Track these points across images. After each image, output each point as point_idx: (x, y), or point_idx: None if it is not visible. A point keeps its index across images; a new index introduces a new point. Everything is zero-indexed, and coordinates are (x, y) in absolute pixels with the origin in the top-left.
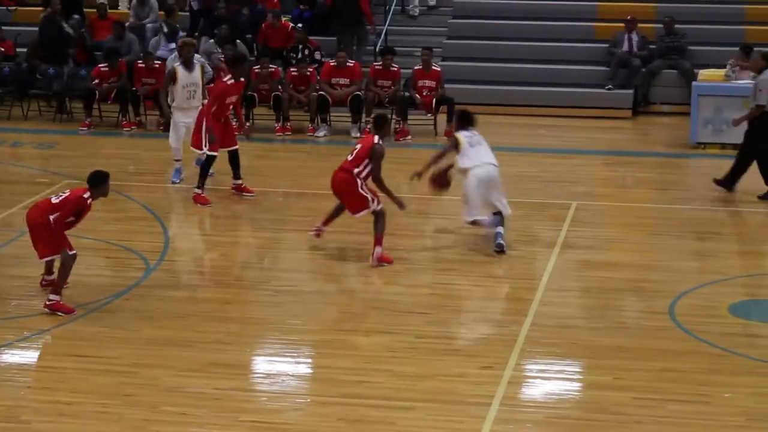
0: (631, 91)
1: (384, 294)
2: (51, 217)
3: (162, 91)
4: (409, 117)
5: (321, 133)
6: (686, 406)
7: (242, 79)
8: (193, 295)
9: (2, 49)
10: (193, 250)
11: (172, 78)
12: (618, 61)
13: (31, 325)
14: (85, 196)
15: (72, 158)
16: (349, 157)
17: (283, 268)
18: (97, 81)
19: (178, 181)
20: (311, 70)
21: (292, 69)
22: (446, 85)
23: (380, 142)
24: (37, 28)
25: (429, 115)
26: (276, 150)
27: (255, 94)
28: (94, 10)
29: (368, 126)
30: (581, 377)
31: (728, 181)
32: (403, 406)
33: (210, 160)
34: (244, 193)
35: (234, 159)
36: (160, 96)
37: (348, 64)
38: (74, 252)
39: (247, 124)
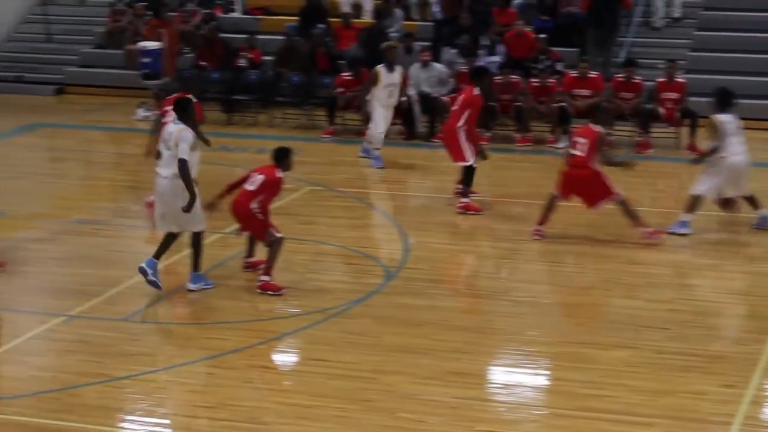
0: None
1: (624, 308)
2: (253, 204)
3: (364, 92)
4: (652, 130)
5: (561, 145)
6: None
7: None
8: (431, 303)
9: (251, 56)
10: (431, 258)
11: (375, 79)
12: None
13: (273, 328)
14: (279, 175)
15: (314, 165)
16: (580, 153)
17: (521, 278)
18: (340, 89)
19: (380, 165)
20: (553, 81)
21: (533, 79)
22: (691, 98)
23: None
24: (282, 37)
25: (672, 128)
26: (517, 160)
27: (496, 105)
28: (339, 19)
29: (609, 138)
30: None
31: None
32: (641, 422)
33: (471, 170)
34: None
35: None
36: (361, 96)
37: (590, 75)
38: (281, 235)
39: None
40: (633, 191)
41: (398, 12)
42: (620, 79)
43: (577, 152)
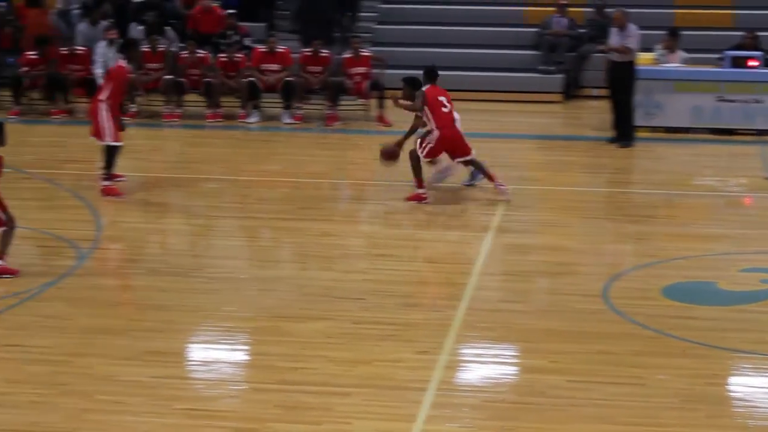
0: (561, 75)
1: (319, 280)
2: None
3: None
4: (341, 102)
5: (252, 120)
6: (621, 388)
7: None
8: (125, 282)
9: None
10: (125, 237)
11: None
12: (548, 45)
13: None
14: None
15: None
16: (452, 113)
17: (216, 255)
18: (25, 68)
19: None
20: (241, 56)
21: (221, 55)
22: (377, 71)
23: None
24: None
25: (361, 100)
26: (207, 137)
27: (184, 81)
28: None
29: (299, 112)
30: (516, 361)
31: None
32: (340, 392)
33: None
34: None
35: None
36: None
37: (278, 49)
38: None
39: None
40: (323, 164)
41: None
42: (308, 53)
43: (453, 113)
